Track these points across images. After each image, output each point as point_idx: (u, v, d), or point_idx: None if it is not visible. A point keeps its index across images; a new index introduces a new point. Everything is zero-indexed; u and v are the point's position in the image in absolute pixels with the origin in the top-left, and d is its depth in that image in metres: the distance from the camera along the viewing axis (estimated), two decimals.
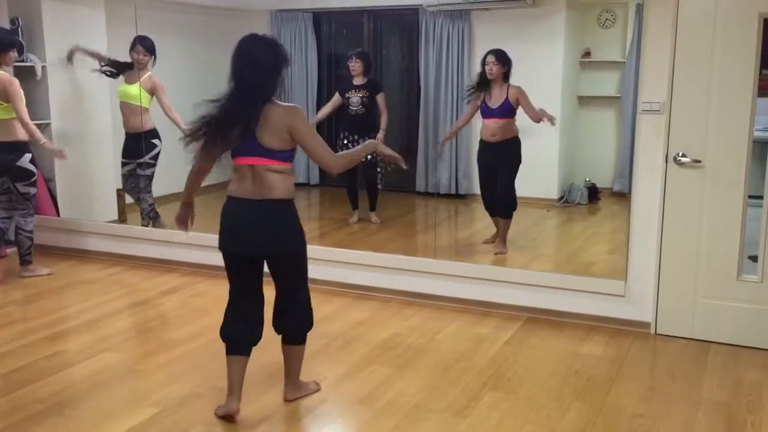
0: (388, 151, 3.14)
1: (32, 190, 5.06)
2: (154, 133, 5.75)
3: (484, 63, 5.16)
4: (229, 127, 2.90)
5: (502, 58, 5.11)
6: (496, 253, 5.17)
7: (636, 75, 3.98)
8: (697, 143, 3.83)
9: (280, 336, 3.17)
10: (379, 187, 6.22)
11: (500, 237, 5.23)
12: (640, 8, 3.94)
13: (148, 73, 5.68)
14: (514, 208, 5.26)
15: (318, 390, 3.33)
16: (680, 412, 3.17)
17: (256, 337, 3.13)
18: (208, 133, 2.93)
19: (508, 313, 4.35)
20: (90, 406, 3.21)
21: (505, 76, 5.12)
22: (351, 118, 6.13)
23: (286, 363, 3.20)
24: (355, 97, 6.08)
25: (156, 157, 5.79)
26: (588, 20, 6.04)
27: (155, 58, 5.74)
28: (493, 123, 5.15)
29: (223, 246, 3.04)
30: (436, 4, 6.10)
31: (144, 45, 5.67)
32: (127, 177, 5.88)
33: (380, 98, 6.11)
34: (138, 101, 5.67)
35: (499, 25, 6.11)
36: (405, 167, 3.15)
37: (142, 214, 5.85)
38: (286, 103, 2.99)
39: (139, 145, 5.73)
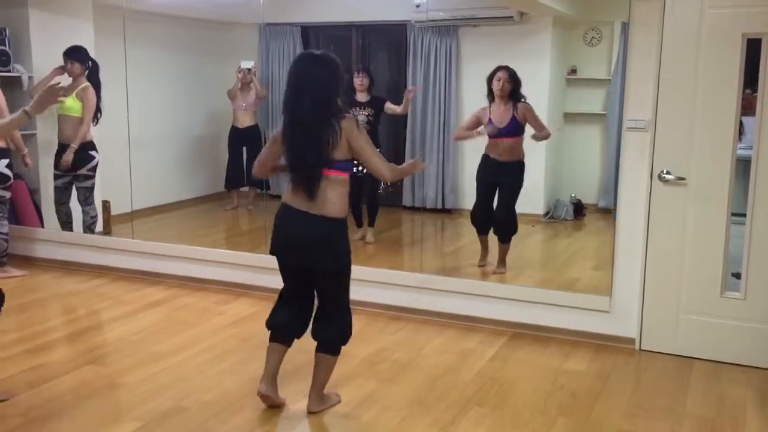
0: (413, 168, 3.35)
1: (6, 194, 5.16)
2: (91, 146, 5.64)
3: (492, 78, 4.99)
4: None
5: (513, 75, 4.96)
6: (494, 273, 5.08)
7: (621, 93, 4.01)
8: (682, 161, 3.86)
9: (317, 343, 3.23)
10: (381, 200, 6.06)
11: (500, 258, 5.12)
12: (625, 27, 3.99)
13: (84, 84, 5.58)
14: (514, 233, 5.14)
15: (339, 402, 3.34)
16: (664, 428, 3.18)
17: (299, 330, 3.24)
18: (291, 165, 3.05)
19: (493, 328, 4.35)
20: (72, 419, 3.18)
21: (513, 94, 4.97)
22: None
23: (315, 371, 3.24)
24: (361, 116, 5.79)
25: (94, 169, 5.69)
26: (574, 38, 6.11)
27: (89, 68, 5.61)
28: (501, 143, 4.99)
29: (275, 253, 3.14)
30: (424, 19, 6.14)
31: (70, 54, 5.55)
32: (62, 190, 5.72)
33: (389, 105, 5.85)
34: (74, 112, 5.56)
35: (486, 41, 6.16)
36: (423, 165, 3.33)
37: (83, 226, 5.75)
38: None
39: (75, 157, 5.54)
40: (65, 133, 5.61)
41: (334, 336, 3.19)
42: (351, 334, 3.24)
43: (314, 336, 3.23)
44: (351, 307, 3.24)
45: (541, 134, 5.10)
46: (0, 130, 3.99)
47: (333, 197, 3.00)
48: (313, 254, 3.04)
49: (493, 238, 5.24)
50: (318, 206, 3.00)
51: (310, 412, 3.22)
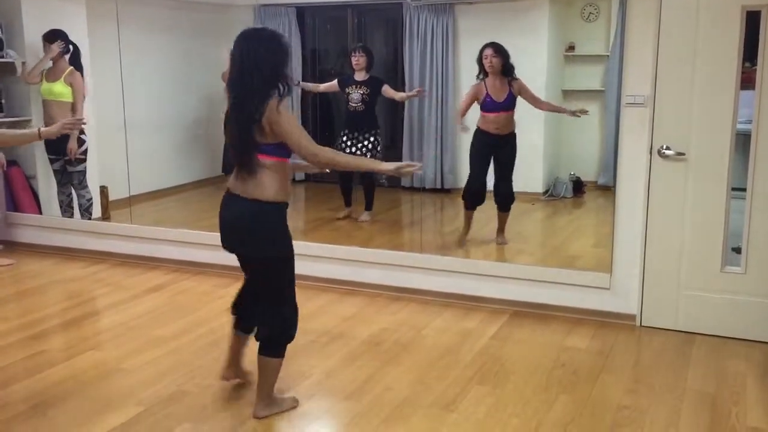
0: (391, 167, 2.92)
1: None
2: (81, 130, 5.60)
3: (481, 57, 5.07)
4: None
5: (500, 50, 5.04)
6: (499, 244, 5.20)
7: (620, 68, 3.98)
8: (681, 136, 3.84)
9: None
10: (384, 182, 6.02)
11: (500, 228, 5.25)
12: (623, 2, 3.95)
13: (69, 68, 5.56)
14: (513, 201, 5.26)
15: (295, 407, 3.13)
16: (666, 403, 3.19)
17: (254, 322, 3.12)
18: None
19: (494, 307, 4.35)
20: (74, 405, 3.18)
21: (504, 69, 5.05)
22: (350, 115, 5.94)
23: (258, 374, 3.05)
24: (355, 94, 5.84)
25: (85, 153, 5.70)
26: (571, 14, 6.05)
27: (69, 51, 5.57)
28: (500, 117, 5.10)
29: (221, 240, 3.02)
30: None
31: (48, 38, 5.50)
32: (60, 172, 5.75)
33: (386, 89, 5.86)
34: (65, 98, 5.54)
35: (483, 19, 6.11)
36: (419, 170, 3.01)
37: (80, 210, 5.76)
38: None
39: (65, 141, 5.47)
40: (55, 119, 5.56)
41: (269, 335, 2.97)
42: (292, 332, 2.98)
43: (238, 324, 3.19)
44: (296, 302, 3.00)
45: (549, 108, 5.20)
46: (7, 141, 3.89)
47: (265, 180, 2.80)
48: (240, 239, 2.87)
49: (484, 212, 5.28)
50: (250, 189, 2.80)
51: (255, 417, 3.02)
